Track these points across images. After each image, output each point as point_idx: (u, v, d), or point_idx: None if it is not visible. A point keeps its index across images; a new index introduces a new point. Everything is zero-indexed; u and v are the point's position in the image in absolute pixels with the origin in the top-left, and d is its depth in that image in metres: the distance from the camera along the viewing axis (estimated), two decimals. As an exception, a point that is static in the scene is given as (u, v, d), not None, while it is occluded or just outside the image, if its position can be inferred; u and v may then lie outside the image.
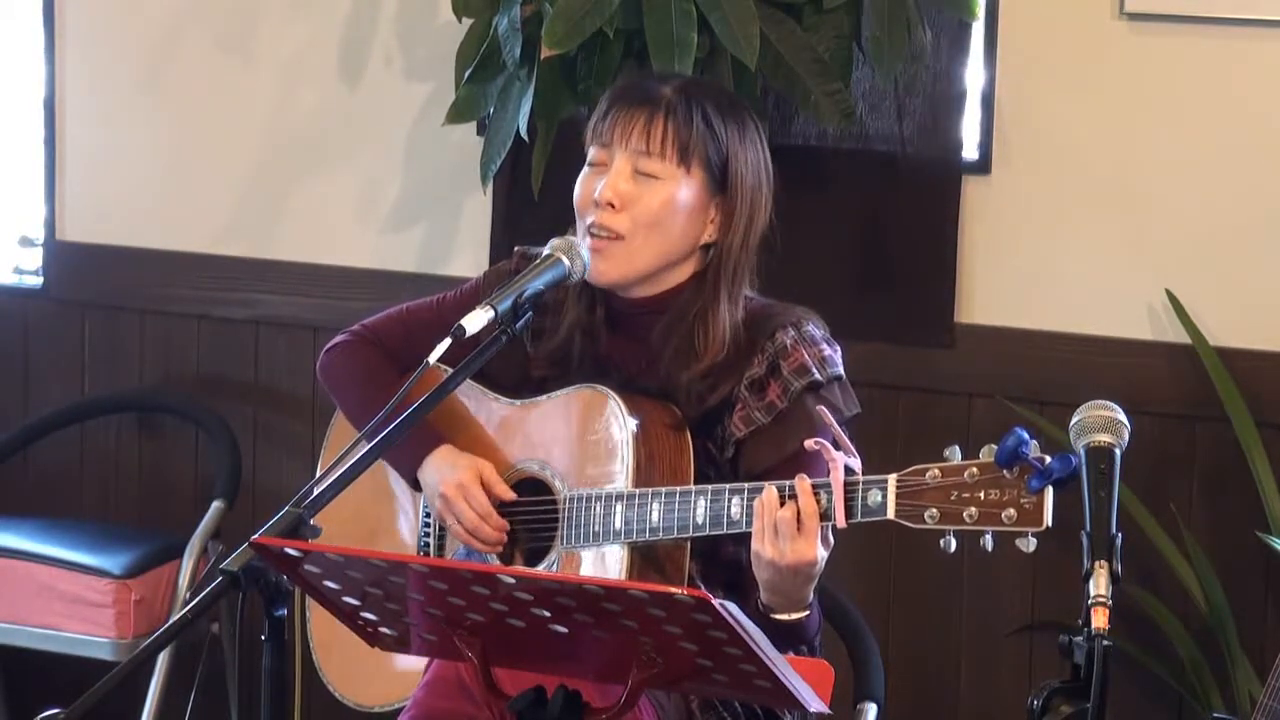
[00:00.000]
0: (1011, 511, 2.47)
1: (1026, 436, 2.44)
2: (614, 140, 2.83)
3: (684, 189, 2.81)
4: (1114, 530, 2.22)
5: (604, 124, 2.85)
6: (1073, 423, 2.34)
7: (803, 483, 2.59)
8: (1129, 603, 3.71)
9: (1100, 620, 2.14)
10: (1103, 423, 2.31)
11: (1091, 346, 3.81)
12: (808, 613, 2.69)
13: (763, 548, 2.60)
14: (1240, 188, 3.72)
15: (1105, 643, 2.13)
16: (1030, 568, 3.87)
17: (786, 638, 2.69)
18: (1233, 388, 3.67)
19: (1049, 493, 2.45)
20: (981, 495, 2.48)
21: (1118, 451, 2.29)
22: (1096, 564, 2.19)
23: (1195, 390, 3.74)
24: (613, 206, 2.80)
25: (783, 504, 2.58)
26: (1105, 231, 3.80)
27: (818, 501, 2.56)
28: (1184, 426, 3.78)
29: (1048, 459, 2.43)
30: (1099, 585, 2.17)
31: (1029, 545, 2.47)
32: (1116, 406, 2.34)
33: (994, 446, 2.47)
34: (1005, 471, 2.47)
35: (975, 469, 2.49)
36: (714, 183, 2.83)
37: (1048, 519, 2.46)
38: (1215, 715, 3.57)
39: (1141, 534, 3.68)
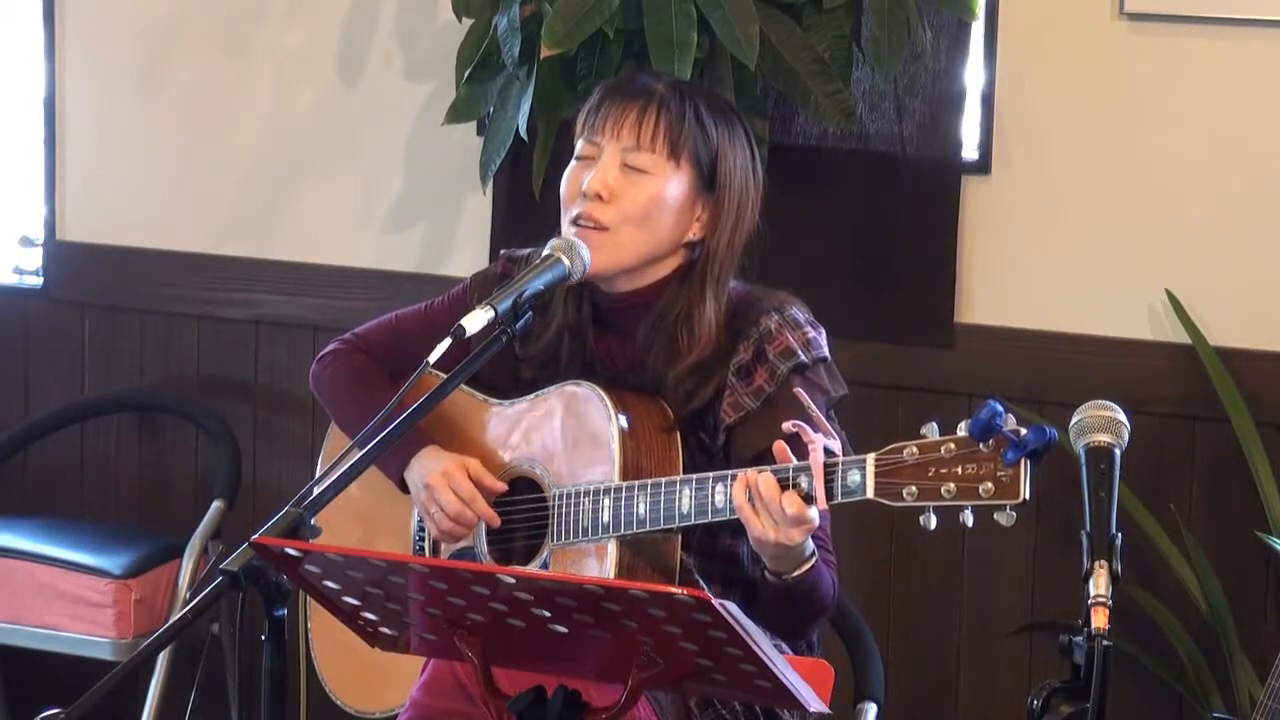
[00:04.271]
0: (989, 485, 2.45)
1: (1000, 409, 2.43)
2: (604, 132, 2.82)
3: (672, 184, 2.81)
4: (1114, 530, 2.22)
5: (595, 116, 2.85)
6: (1073, 423, 2.34)
7: (782, 450, 2.60)
8: (1129, 603, 3.71)
9: (1100, 620, 2.14)
10: (1102, 423, 2.31)
11: (1091, 346, 3.81)
12: (811, 563, 2.68)
13: (765, 534, 2.59)
14: (1240, 188, 3.72)
15: (1105, 643, 2.13)
16: (1030, 568, 3.87)
17: (807, 601, 2.71)
18: (1233, 388, 3.67)
19: (1025, 465, 2.44)
20: (959, 470, 2.47)
21: (1118, 451, 2.29)
22: (1096, 564, 2.19)
23: (1195, 390, 3.74)
24: (600, 198, 2.80)
25: (783, 489, 2.58)
26: (1105, 231, 3.81)
27: (798, 485, 2.57)
28: (1184, 426, 3.78)
29: (1023, 431, 2.43)
30: (1099, 585, 2.17)
31: (1007, 519, 2.46)
32: (1116, 406, 2.34)
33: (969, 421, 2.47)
34: (981, 445, 2.46)
35: (952, 444, 2.48)
36: (702, 180, 2.83)
37: (1025, 492, 2.44)
38: (1215, 715, 3.57)
39: (1141, 534, 3.68)
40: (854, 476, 2.54)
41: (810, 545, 2.67)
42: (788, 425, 2.58)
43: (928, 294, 3.88)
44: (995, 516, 2.46)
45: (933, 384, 3.88)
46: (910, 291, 3.89)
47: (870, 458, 2.54)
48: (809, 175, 3.89)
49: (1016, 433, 2.43)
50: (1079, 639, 2.16)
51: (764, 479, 2.58)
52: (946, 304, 3.88)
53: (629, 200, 2.80)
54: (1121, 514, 2.26)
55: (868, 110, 3.84)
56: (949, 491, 2.48)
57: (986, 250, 3.87)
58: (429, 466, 2.90)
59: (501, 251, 3.04)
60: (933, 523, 2.49)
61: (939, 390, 3.88)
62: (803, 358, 2.79)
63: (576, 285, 2.85)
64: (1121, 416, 2.32)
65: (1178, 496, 3.76)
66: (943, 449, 2.48)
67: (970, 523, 2.48)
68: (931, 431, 2.50)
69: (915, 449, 2.50)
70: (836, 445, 2.57)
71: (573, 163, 2.88)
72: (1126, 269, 3.79)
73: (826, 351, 2.84)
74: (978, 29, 3.81)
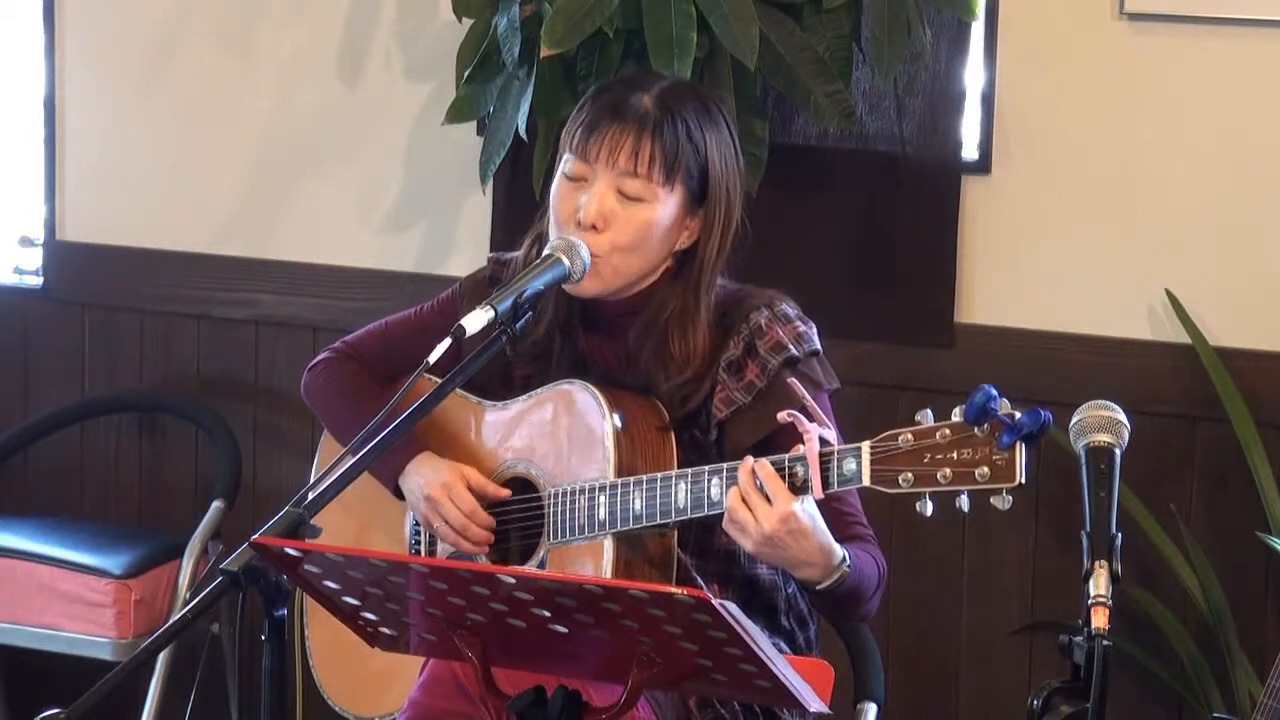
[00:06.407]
0: (984, 469, 2.45)
1: (995, 393, 2.43)
2: (598, 159, 2.79)
3: (665, 208, 2.80)
4: (1114, 530, 2.22)
5: (587, 140, 2.80)
6: (1073, 423, 2.34)
7: (748, 464, 2.59)
8: (1129, 603, 3.71)
9: (1100, 620, 2.14)
10: (1102, 423, 2.31)
11: (1091, 346, 3.81)
12: (840, 572, 2.65)
13: (751, 532, 2.59)
14: (1240, 188, 3.72)
15: (1105, 643, 2.13)
16: (1030, 568, 3.88)
17: (852, 598, 2.69)
18: (1233, 388, 3.67)
19: (1021, 448, 2.44)
20: (954, 455, 2.47)
21: (1118, 451, 2.29)
22: (1096, 564, 2.19)
23: (1195, 390, 3.74)
24: (595, 229, 2.79)
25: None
26: (1105, 231, 3.81)
27: (794, 475, 2.57)
28: (1184, 426, 3.78)
29: (1017, 414, 2.43)
30: (1099, 585, 2.18)
31: (1004, 503, 2.46)
32: (1116, 406, 2.34)
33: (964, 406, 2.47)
34: (976, 430, 2.46)
35: (947, 430, 2.48)
36: (693, 196, 2.82)
37: (1020, 475, 2.44)
38: (1215, 715, 3.57)
39: (1141, 534, 3.68)
40: (849, 464, 2.54)
41: (839, 553, 2.65)
42: (783, 415, 2.59)
43: (928, 294, 3.88)
44: (992, 501, 2.46)
45: (932, 384, 3.88)
46: (910, 291, 3.89)
47: (865, 445, 2.54)
48: (809, 175, 3.89)
49: (1011, 416, 2.43)
50: (1079, 639, 2.16)
51: (762, 464, 2.58)
52: (946, 304, 3.88)
53: (621, 227, 2.78)
54: (1121, 514, 2.26)
55: (868, 110, 3.84)
56: (945, 477, 2.47)
57: (986, 250, 3.87)
58: (429, 477, 2.89)
59: (490, 255, 3.04)
60: (929, 509, 2.49)
61: (939, 390, 3.86)
62: (793, 351, 2.79)
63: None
64: (1121, 416, 2.32)
65: (1178, 496, 3.76)
66: (938, 435, 2.48)
67: (967, 508, 2.47)
68: (926, 418, 2.50)
69: (910, 435, 2.50)
70: (831, 434, 2.57)
71: (562, 180, 2.84)
72: (1126, 269, 3.80)
73: (818, 345, 2.84)
74: (978, 29, 3.81)
